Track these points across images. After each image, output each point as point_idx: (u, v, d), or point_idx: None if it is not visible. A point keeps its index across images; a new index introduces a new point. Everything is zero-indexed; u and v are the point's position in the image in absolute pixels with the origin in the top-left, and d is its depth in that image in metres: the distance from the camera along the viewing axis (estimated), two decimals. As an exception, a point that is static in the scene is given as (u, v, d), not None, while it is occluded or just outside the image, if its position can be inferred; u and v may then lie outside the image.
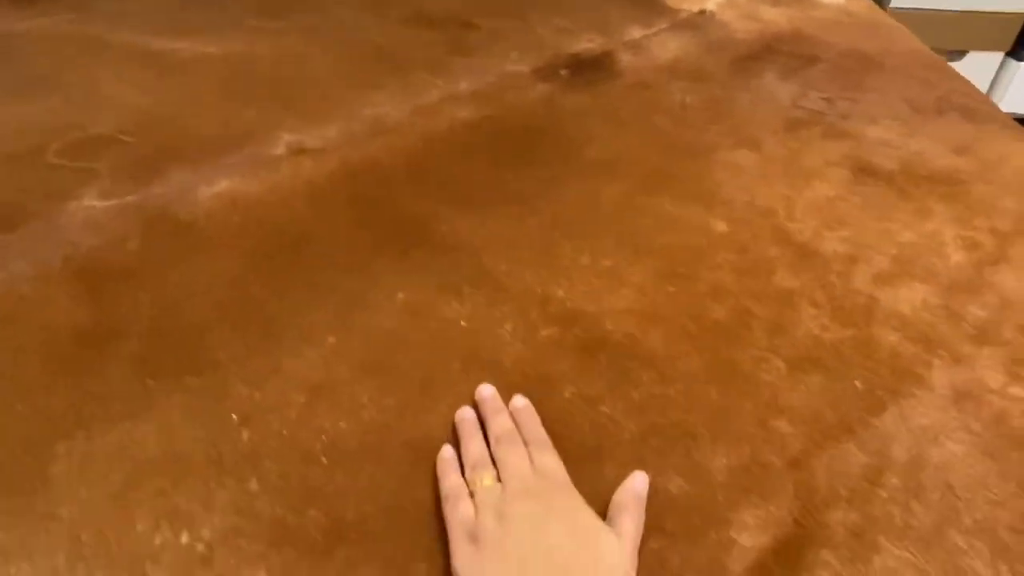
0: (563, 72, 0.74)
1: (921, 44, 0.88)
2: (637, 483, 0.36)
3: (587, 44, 0.80)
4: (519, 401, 0.40)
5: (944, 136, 0.67)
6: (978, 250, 0.53)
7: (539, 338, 0.44)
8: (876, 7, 0.99)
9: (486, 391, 0.41)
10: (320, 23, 0.82)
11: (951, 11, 1.92)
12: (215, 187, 0.54)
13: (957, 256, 0.52)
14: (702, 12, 0.90)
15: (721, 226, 0.54)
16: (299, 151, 0.59)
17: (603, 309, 0.46)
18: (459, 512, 0.34)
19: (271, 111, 0.64)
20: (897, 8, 1.89)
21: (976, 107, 0.72)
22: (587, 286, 0.48)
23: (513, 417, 0.39)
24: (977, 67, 1.91)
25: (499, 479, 0.35)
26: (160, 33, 0.77)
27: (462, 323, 0.45)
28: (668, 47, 0.81)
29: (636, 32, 0.84)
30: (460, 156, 0.60)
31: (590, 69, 0.76)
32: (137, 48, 0.74)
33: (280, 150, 0.59)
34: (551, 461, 0.36)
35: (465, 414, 0.40)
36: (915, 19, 2.05)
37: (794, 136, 0.66)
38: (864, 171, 0.62)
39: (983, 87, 2.31)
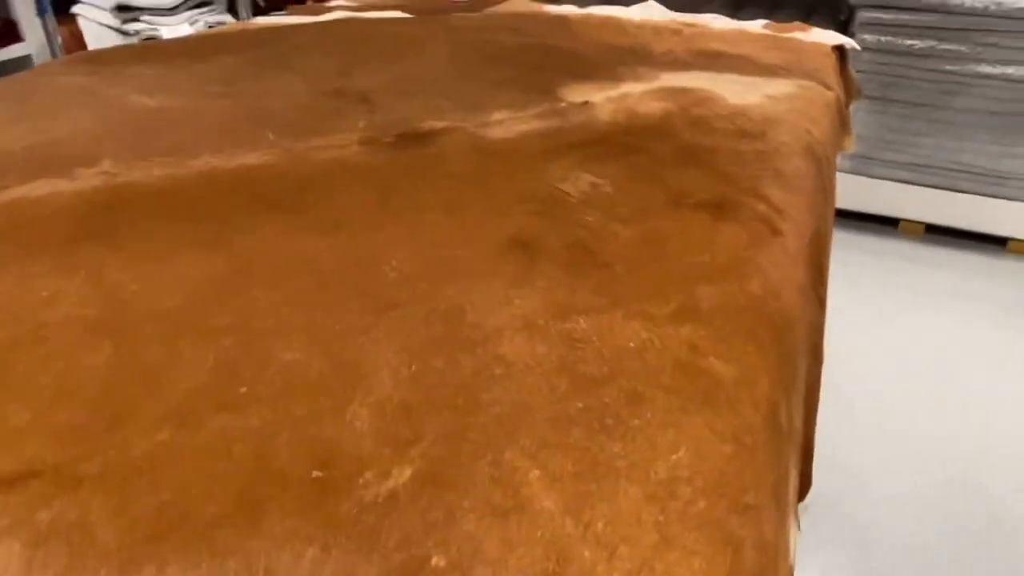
0: (386, 140, 0.84)
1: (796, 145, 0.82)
2: None
3: (438, 122, 0.89)
4: None
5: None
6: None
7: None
8: (815, 100, 0.94)
9: None
10: (256, 89, 1.02)
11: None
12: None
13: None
14: (585, 103, 0.93)
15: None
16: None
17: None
18: None
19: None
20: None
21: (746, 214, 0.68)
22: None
23: None
24: None
25: None
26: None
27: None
28: (512, 130, 0.87)
29: (500, 116, 0.91)
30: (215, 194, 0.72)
31: (412, 141, 0.84)
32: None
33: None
34: None
35: None
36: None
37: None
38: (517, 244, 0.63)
39: None
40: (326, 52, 1.14)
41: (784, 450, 0.49)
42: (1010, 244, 2.21)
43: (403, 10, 1.44)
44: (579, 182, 0.74)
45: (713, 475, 0.40)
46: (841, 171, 2.16)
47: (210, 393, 0.46)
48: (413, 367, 0.48)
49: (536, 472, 0.39)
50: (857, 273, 2.10)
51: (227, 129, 0.88)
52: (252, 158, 0.79)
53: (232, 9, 2.53)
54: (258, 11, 2.56)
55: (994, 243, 2.23)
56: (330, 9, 1.48)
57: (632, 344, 0.50)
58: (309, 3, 1.99)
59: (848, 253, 2.16)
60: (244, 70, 1.09)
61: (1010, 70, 2.02)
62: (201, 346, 0.50)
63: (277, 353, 0.50)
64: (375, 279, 0.58)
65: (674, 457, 0.40)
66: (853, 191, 2.28)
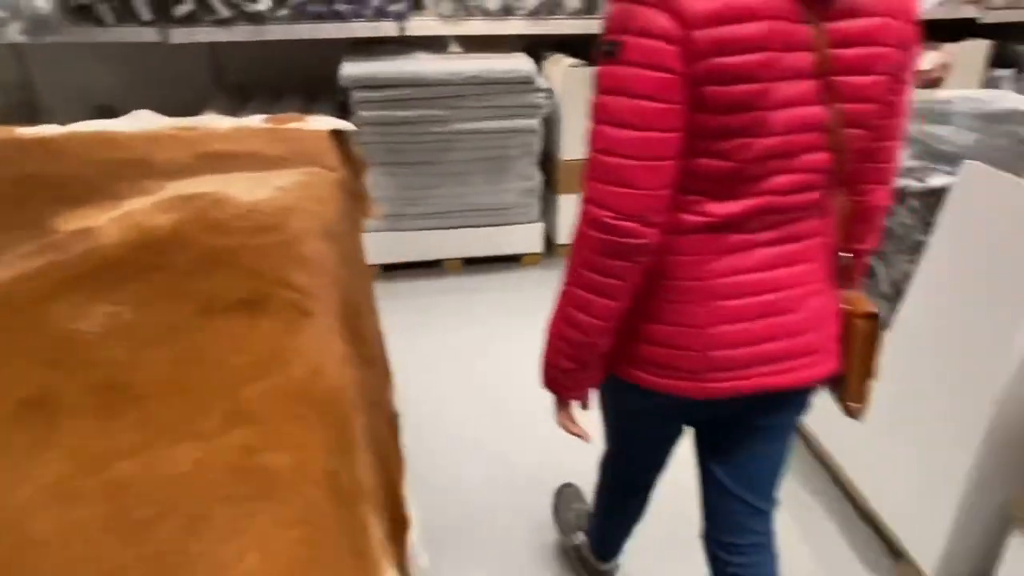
0: None
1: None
2: None
3: None
4: None
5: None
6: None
7: None
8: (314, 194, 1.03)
9: None
10: None
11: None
12: None
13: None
14: (84, 229, 0.88)
15: None
16: None
17: None
18: None
19: None
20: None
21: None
22: None
23: None
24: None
25: None
26: None
27: None
28: (15, 267, 0.77)
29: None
30: None
31: None
32: None
33: None
34: None
35: None
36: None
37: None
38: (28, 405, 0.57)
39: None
40: None
41: (358, 508, 0.53)
42: (523, 259, 2.71)
43: None
44: (93, 316, 0.69)
45: (284, 563, 0.42)
46: (379, 231, 2.39)
47: None
48: (-91, 598, 0.40)
49: (96, 648, 0.36)
50: (414, 315, 2.35)
51: None
52: None
53: None
54: None
55: (513, 261, 2.71)
56: None
57: (184, 468, 0.49)
58: None
59: (404, 301, 2.40)
60: None
61: (480, 124, 2.49)
62: None
63: None
64: None
65: (243, 565, 0.41)
66: (394, 246, 2.54)
